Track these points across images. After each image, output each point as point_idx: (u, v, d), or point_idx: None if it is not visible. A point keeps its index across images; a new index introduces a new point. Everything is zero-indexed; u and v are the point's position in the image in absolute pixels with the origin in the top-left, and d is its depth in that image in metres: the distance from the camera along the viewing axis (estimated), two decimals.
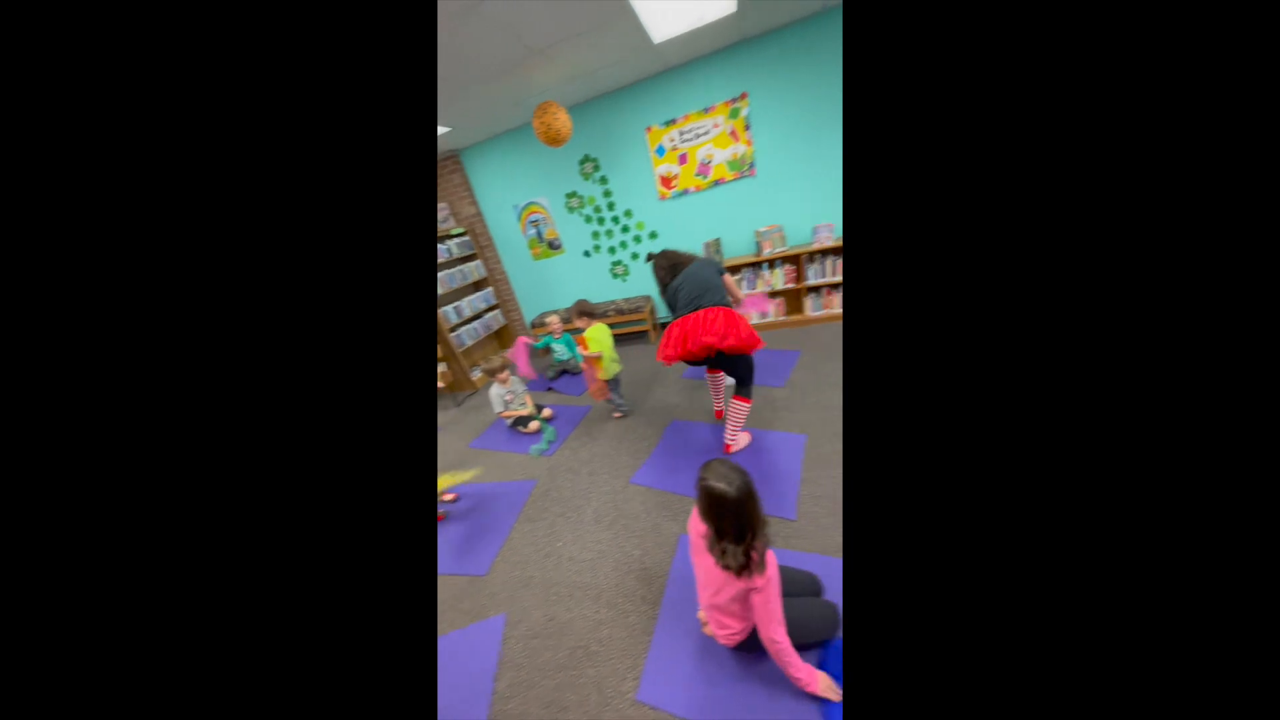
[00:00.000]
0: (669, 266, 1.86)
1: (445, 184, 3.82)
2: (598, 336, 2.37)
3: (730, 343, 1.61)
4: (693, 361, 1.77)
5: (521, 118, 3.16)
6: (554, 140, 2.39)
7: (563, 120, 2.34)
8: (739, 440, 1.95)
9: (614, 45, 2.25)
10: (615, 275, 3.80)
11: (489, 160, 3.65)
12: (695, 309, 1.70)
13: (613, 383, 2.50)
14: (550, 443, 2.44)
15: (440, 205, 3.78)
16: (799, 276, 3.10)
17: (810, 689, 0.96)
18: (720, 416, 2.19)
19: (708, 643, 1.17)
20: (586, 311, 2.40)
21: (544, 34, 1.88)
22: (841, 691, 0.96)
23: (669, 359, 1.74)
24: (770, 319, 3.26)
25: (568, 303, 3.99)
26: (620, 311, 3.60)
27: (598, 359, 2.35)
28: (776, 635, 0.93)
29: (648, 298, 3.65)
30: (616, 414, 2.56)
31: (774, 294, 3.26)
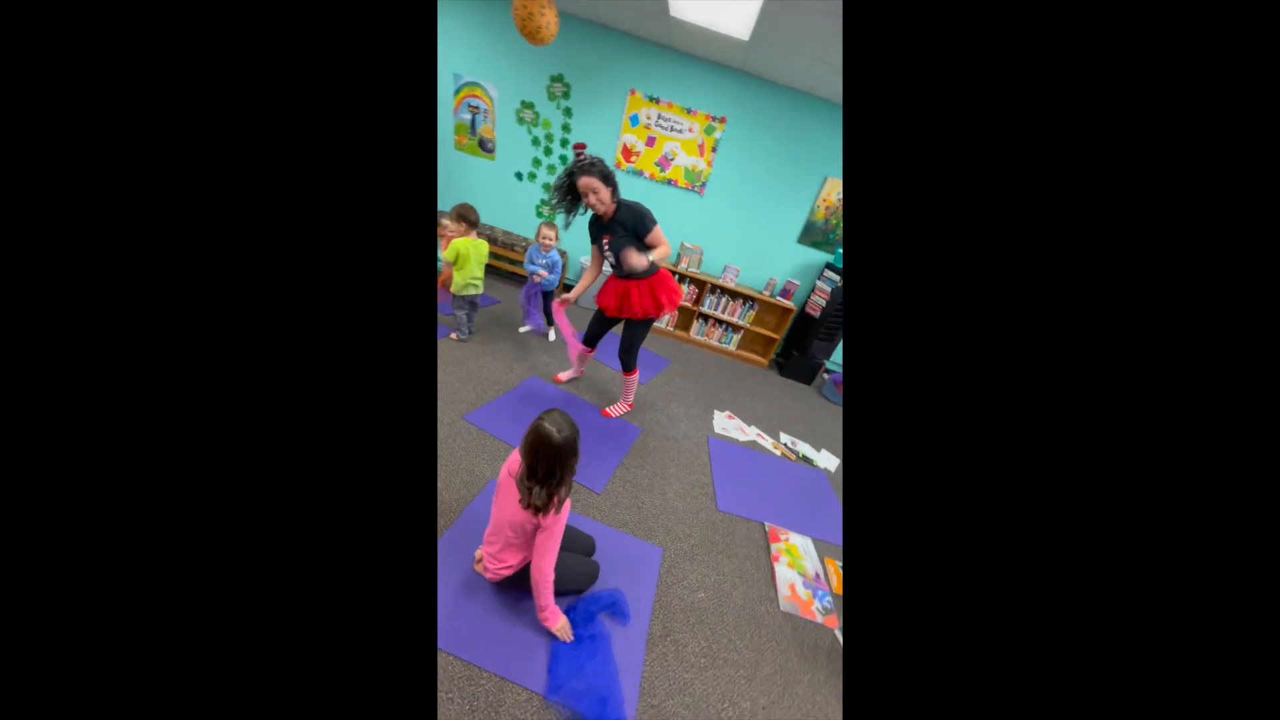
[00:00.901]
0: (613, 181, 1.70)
1: None
2: (465, 251, 2.24)
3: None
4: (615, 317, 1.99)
5: None
6: (531, 35, 2.10)
7: (549, 18, 2.07)
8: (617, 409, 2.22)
9: None
10: (540, 214, 3.54)
11: (445, 5, 2.96)
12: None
13: (464, 302, 2.39)
14: None
15: None
16: (698, 300, 3.43)
17: (549, 624, 1.10)
18: (559, 381, 2.34)
19: (472, 579, 1.22)
20: (467, 219, 2.24)
21: None
22: (572, 635, 1.11)
23: (665, 309, 1.91)
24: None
25: (478, 210, 3.54)
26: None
27: (450, 266, 2.26)
28: (545, 568, 1.05)
29: (565, 253, 3.51)
30: (453, 335, 2.45)
31: None
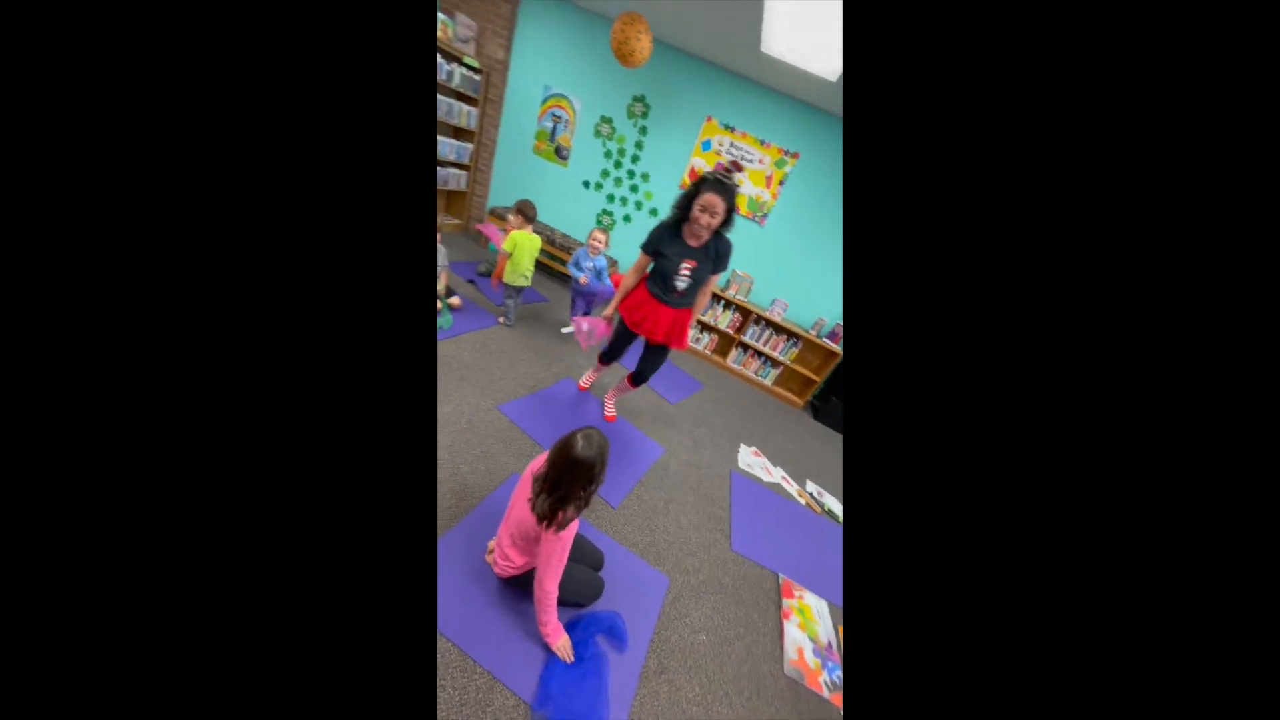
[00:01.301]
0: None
1: (489, 8, 3.22)
2: (521, 241, 2.41)
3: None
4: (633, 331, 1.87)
5: (606, 9, 2.84)
6: (624, 57, 2.20)
7: (644, 44, 2.17)
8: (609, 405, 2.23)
9: (727, 18, 2.17)
10: (599, 222, 3.65)
11: (548, 21, 3.18)
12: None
13: (513, 290, 2.52)
14: (438, 330, 2.26)
15: (468, 22, 3.17)
16: (741, 328, 3.38)
17: (551, 641, 1.07)
18: (583, 389, 2.32)
19: (482, 570, 1.23)
20: (525, 213, 2.41)
21: None
22: (573, 655, 1.08)
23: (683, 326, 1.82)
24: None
25: (542, 211, 3.71)
26: None
27: (506, 256, 2.42)
28: (549, 586, 1.02)
29: (615, 261, 3.60)
30: (500, 319, 2.59)
31: (712, 329, 3.49)
